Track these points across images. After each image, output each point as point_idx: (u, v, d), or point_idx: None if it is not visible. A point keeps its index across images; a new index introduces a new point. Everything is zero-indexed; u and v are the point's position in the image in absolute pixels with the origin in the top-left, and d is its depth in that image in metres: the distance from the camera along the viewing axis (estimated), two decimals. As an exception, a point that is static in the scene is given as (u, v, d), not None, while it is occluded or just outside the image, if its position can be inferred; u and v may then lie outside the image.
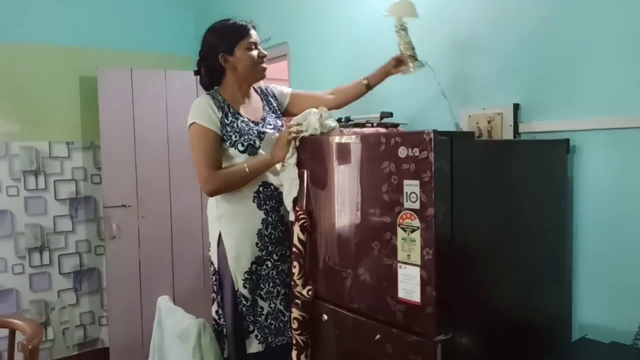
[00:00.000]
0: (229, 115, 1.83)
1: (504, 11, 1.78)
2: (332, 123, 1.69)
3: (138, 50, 3.48)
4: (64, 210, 3.27)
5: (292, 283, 1.63)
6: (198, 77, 1.94)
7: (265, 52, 1.90)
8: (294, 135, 1.65)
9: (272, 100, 2.02)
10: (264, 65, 1.89)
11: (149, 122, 3.22)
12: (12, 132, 3.08)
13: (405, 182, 1.25)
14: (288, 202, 1.69)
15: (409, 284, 1.26)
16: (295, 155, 1.66)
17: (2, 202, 3.06)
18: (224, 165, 1.81)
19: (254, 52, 1.85)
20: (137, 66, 3.23)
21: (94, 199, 3.37)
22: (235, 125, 1.82)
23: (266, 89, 2.04)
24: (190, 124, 1.81)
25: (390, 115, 2.04)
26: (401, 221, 1.27)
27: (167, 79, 3.26)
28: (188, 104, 3.29)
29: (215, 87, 1.90)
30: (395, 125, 2.02)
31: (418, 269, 1.24)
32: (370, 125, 1.98)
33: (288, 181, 1.68)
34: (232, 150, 1.81)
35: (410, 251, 1.25)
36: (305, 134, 1.65)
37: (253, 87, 1.97)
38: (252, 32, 1.86)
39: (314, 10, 2.67)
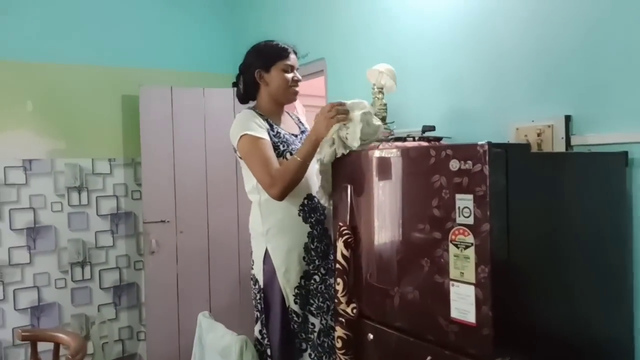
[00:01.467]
0: (273, 126, 1.87)
1: (552, 19, 1.73)
2: (377, 121, 1.67)
3: (178, 69, 3.56)
4: (105, 226, 3.33)
5: (336, 300, 1.59)
6: (235, 90, 2.03)
7: (300, 77, 1.96)
8: (337, 114, 1.62)
9: (301, 121, 2.12)
10: (297, 89, 1.94)
11: (188, 139, 3.27)
12: (57, 150, 3.18)
13: (458, 196, 1.21)
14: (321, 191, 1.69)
15: (463, 304, 1.21)
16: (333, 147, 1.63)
17: (47, 218, 3.14)
18: None
19: (289, 75, 1.90)
20: (176, 84, 3.29)
21: (134, 215, 3.43)
22: (280, 135, 1.86)
23: (292, 113, 2.13)
24: (241, 137, 1.80)
25: (433, 128, 2.00)
26: (453, 237, 1.22)
27: (205, 96, 3.31)
28: (225, 121, 3.33)
29: (253, 105, 1.95)
30: (438, 139, 1.97)
31: (473, 287, 1.19)
32: (411, 139, 1.94)
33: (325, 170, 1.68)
34: (281, 160, 1.81)
35: (464, 269, 1.20)
36: (349, 126, 1.62)
37: (288, 110, 2.05)
38: (292, 56, 1.92)
39: (351, 26, 2.66)
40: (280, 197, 1.75)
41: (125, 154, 3.40)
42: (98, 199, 3.31)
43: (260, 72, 1.89)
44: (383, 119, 1.91)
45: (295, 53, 1.95)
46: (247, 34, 3.67)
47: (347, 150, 1.63)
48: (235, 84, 2.01)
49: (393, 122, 1.99)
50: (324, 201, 1.82)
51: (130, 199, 3.42)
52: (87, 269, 3.27)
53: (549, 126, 1.71)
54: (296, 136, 1.95)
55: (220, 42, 3.76)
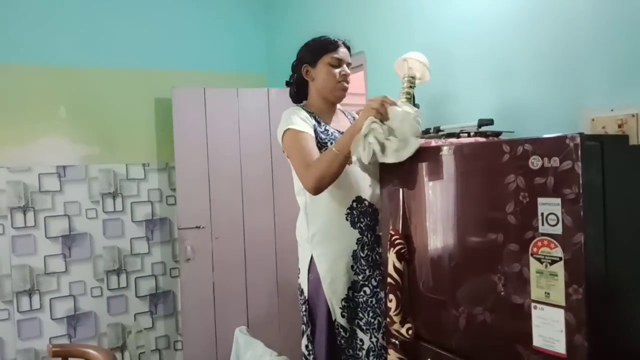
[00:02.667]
0: (321, 123, 1.74)
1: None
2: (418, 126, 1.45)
3: (211, 70, 3.45)
4: (140, 232, 3.25)
5: (388, 320, 1.40)
6: (288, 89, 1.91)
7: (349, 72, 1.79)
8: (380, 107, 1.45)
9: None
10: (345, 84, 1.78)
11: (222, 141, 3.15)
12: (91, 155, 3.12)
13: (541, 200, 1.00)
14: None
15: (549, 330, 1.00)
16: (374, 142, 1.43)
17: (82, 225, 3.08)
18: None
19: (337, 70, 1.75)
20: (209, 86, 3.18)
21: (169, 221, 3.34)
22: (329, 132, 1.72)
23: (349, 113, 1.97)
24: (284, 132, 1.69)
25: (491, 122, 1.78)
26: (535, 250, 1.01)
27: (239, 97, 3.18)
28: (260, 122, 3.18)
29: (303, 102, 1.83)
30: (497, 134, 1.75)
31: (562, 311, 0.98)
32: (466, 134, 1.73)
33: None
34: None
35: (550, 288, 0.99)
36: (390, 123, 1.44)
37: (339, 108, 1.89)
38: (341, 49, 1.77)
39: (391, 16, 2.47)
40: (314, 189, 1.59)
41: (159, 159, 3.31)
42: (133, 205, 3.23)
43: (307, 67, 1.78)
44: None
45: (348, 47, 1.80)
46: (281, 32, 3.53)
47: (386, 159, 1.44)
48: (287, 83, 1.90)
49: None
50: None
51: (165, 204, 3.33)
52: (123, 276, 3.20)
53: (632, 115, 1.47)
54: None
55: (253, 41, 3.64)
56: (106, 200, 3.15)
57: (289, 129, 1.67)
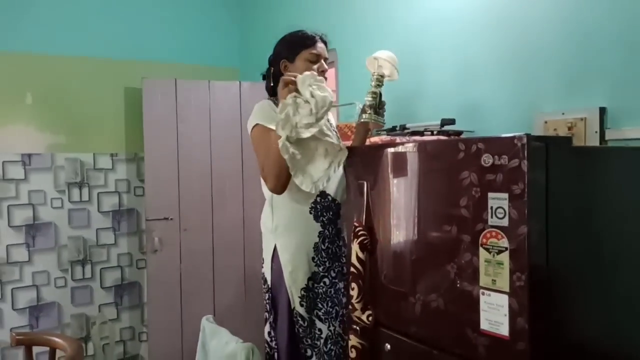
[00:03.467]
0: None
1: (584, 3, 1.59)
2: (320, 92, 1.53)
3: (182, 62, 3.44)
4: (106, 223, 3.23)
5: (350, 307, 1.47)
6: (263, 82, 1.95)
7: (327, 67, 1.83)
8: (289, 82, 1.54)
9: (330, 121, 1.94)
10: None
11: (192, 133, 3.15)
12: (57, 144, 3.07)
13: (491, 195, 1.08)
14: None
15: (495, 314, 1.08)
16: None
17: (46, 214, 3.04)
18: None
19: (314, 65, 1.79)
20: (181, 78, 3.18)
21: (137, 212, 3.32)
22: None
23: None
24: (254, 126, 1.73)
25: (453, 122, 1.87)
26: (485, 240, 1.10)
27: (210, 89, 3.20)
28: (232, 116, 3.21)
29: (275, 97, 1.85)
30: (459, 133, 1.85)
31: (506, 296, 1.06)
32: (429, 133, 1.82)
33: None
34: None
35: (497, 276, 1.08)
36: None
37: None
38: (319, 44, 1.82)
39: (363, 14, 2.54)
40: (275, 189, 1.65)
41: (127, 149, 3.29)
42: (99, 195, 3.20)
43: (285, 62, 1.81)
44: (373, 109, 1.74)
45: (325, 42, 1.84)
46: (254, 26, 3.56)
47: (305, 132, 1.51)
48: (263, 77, 1.93)
49: (353, 103, 1.80)
50: (304, 186, 1.59)
51: (132, 195, 3.32)
52: (88, 267, 3.17)
53: (581, 119, 1.58)
54: None
55: (226, 34, 3.65)
56: (72, 190, 3.12)
57: (258, 124, 1.70)
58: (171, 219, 3.09)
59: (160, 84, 3.09)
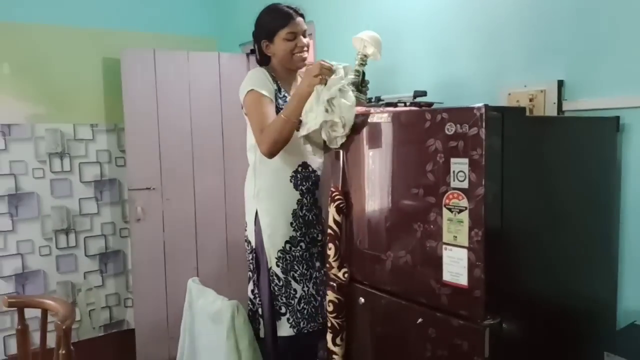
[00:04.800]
0: (281, 90, 1.86)
1: (548, -17, 1.70)
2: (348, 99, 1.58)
3: (161, 32, 3.44)
4: (89, 193, 3.27)
5: (327, 265, 1.59)
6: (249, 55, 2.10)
7: (305, 42, 1.90)
8: (321, 74, 1.58)
9: None
10: (303, 55, 1.89)
11: (172, 104, 3.19)
12: (37, 114, 3.08)
13: (453, 160, 1.20)
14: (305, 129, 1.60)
15: (455, 267, 1.22)
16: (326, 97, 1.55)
17: (28, 184, 3.07)
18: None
19: (292, 43, 1.84)
20: (158, 47, 3.19)
21: (119, 182, 3.37)
22: (287, 99, 1.84)
23: None
24: (248, 92, 1.79)
25: (425, 94, 1.98)
26: (447, 201, 1.22)
27: (189, 60, 3.22)
28: (210, 86, 3.25)
29: (266, 67, 1.93)
30: (430, 105, 1.95)
31: (465, 250, 1.19)
32: (402, 104, 1.92)
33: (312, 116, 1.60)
34: None
35: (457, 232, 1.21)
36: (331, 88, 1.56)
37: (299, 74, 1.99)
38: (295, 20, 1.85)
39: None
40: (268, 153, 1.73)
41: (107, 120, 3.30)
42: (81, 166, 3.24)
43: (266, 42, 1.88)
44: (356, 87, 1.84)
45: (301, 15, 1.89)
46: (232, -4, 3.55)
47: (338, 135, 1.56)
48: (252, 51, 2.01)
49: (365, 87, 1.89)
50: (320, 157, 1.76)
51: (114, 165, 3.36)
52: (72, 236, 3.23)
53: (541, 91, 1.70)
54: None
55: (205, 4, 3.64)
56: (53, 160, 3.14)
57: (252, 89, 1.77)
58: (153, 188, 3.16)
59: (139, 55, 3.10)
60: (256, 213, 1.84)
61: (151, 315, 3.17)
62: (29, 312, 1.97)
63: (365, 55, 1.81)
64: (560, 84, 1.67)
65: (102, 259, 3.35)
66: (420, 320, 1.31)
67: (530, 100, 1.73)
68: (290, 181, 1.83)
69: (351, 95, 1.58)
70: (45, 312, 1.91)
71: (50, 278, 3.16)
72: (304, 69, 1.90)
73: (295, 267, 1.85)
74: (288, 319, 1.82)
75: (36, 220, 3.10)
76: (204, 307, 1.89)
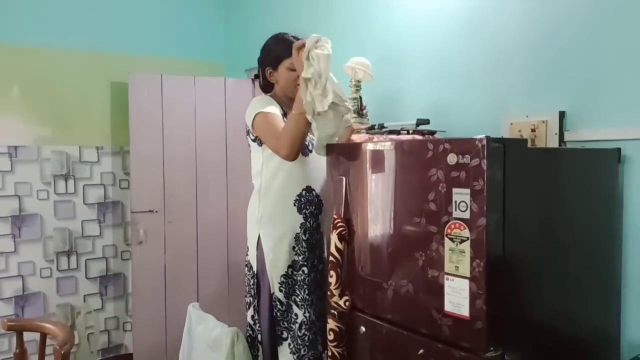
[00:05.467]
0: (287, 115, 1.88)
1: (548, 14, 1.73)
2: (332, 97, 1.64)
3: (168, 56, 3.50)
4: (92, 215, 3.28)
5: (329, 293, 1.58)
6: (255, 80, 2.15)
7: None
8: (300, 48, 1.65)
9: None
10: None
11: (178, 128, 3.22)
12: (44, 136, 3.11)
13: (455, 190, 1.20)
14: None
15: (457, 297, 1.21)
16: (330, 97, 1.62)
17: (32, 206, 3.08)
18: (288, 167, 1.83)
19: (295, 73, 1.85)
20: (167, 72, 3.24)
21: (122, 204, 3.39)
22: None
23: None
24: (256, 115, 1.82)
25: (427, 122, 2.00)
26: (449, 231, 1.22)
27: (196, 85, 3.27)
28: (216, 111, 3.29)
29: (271, 93, 1.98)
30: (432, 133, 1.97)
31: (467, 281, 1.19)
32: (405, 132, 1.94)
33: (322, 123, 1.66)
34: None
35: (459, 263, 1.20)
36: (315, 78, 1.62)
37: None
38: None
39: (344, 19, 2.63)
40: (290, 155, 1.73)
41: (113, 142, 3.34)
42: (85, 188, 3.26)
43: (270, 69, 1.93)
44: (357, 112, 1.90)
45: None
46: (239, 23, 3.63)
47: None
48: (256, 76, 2.05)
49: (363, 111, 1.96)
50: (322, 152, 1.77)
51: (118, 188, 3.38)
52: (73, 258, 3.23)
53: (543, 122, 1.72)
54: None
55: (211, 29, 3.71)
56: (58, 182, 3.16)
57: (260, 112, 1.81)
58: (156, 211, 3.17)
59: (146, 79, 3.16)
60: (259, 237, 1.84)
61: (150, 339, 3.14)
62: (28, 336, 1.96)
63: (358, 81, 1.87)
64: (562, 114, 1.69)
65: (102, 281, 3.33)
66: (421, 351, 1.30)
67: (532, 130, 1.75)
68: (294, 204, 1.84)
69: (327, 47, 1.65)
70: (44, 335, 1.90)
71: (50, 300, 3.15)
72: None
73: (297, 292, 1.84)
74: (289, 344, 1.80)
75: (38, 241, 3.10)
76: (204, 333, 1.87)
